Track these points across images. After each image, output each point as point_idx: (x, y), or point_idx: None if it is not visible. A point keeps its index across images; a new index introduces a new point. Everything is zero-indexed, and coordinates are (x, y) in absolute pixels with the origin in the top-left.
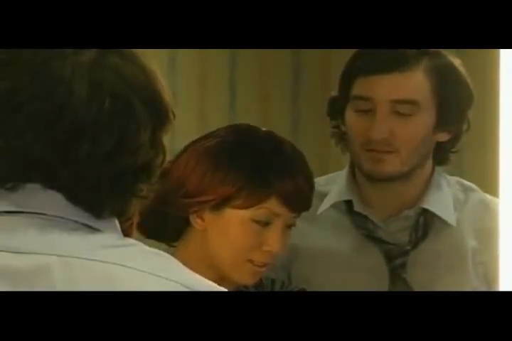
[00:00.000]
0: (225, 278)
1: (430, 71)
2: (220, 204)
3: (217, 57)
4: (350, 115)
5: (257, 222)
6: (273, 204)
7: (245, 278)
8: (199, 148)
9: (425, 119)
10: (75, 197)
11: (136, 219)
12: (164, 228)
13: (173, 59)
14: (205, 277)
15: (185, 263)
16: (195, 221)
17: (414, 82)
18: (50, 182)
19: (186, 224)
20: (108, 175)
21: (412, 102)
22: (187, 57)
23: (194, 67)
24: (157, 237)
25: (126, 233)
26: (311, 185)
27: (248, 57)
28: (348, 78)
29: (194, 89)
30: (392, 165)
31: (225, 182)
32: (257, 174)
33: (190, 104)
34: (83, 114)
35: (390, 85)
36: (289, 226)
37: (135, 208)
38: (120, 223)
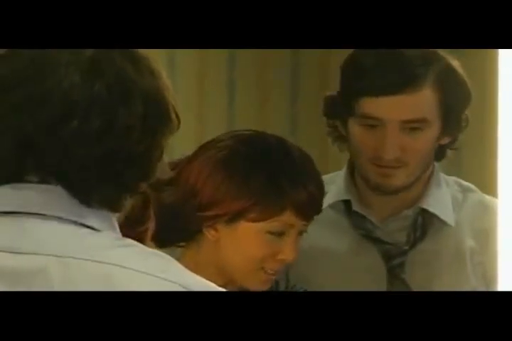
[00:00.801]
0: (235, 283)
1: (436, 84)
2: (234, 218)
3: (216, 57)
4: (355, 129)
5: (272, 233)
6: (288, 216)
7: (257, 285)
8: (211, 158)
9: (432, 132)
10: (64, 179)
11: (151, 226)
12: (176, 239)
13: (172, 59)
14: (214, 282)
15: (194, 268)
16: (209, 232)
17: (423, 102)
18: (41, 162)
19: (198, 230)
20: (96, 157)
21: (422, 120)
22: (186, 57)
23: (193, 67)
24: (168, 245)
25: (140, 238)
26: (322, 189)
27: (247, 57)
28: (353, 95)
29: (193, 89)
30: (399, 179)
31: (240, 195)
32: (271, 187)
33: (189, 104)
34: (74, 94)
35: (401, 106)
36: (300, 233)
37: (149, 213)
38: (134, 228)
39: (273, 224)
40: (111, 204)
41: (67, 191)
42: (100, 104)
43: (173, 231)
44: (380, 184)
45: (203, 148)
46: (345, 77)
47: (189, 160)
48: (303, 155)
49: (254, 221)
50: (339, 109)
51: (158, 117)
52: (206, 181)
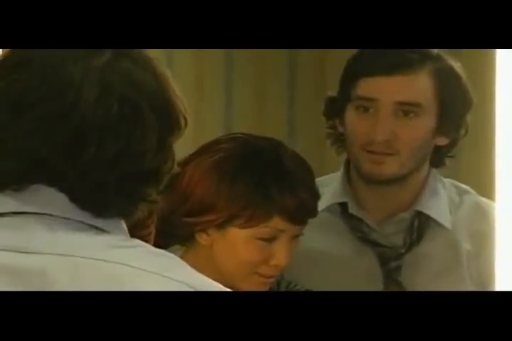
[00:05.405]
0: (232, 287)
1: (434, 74)
2: (223, 224)
3: (213, 57)
4: (351, 115)
5: (262, 239)
6: (276, 222)
7: (254, 288)
8: (203, 162)
9: (426, 122)
10: (78, 197)
11: (153, 230)
12: (168, 244)
13: (169, 59)
14: None
15: None
16: (201, 236)
17: (419, 85)
18: (55, 182)
19: (191, 237)
20: (113, 179)
21: (416, 104)
22: (183, 57)
23: (190, 67)
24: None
25: (144, 241)
26: (315, 195)
27: (244, 57)
28: (351, 77)
29: (190, 90)
30: (391, 167)
31: (227, 201)
32: (258, 193)
33: (186, 105)
34: (90, 118)
35: (396, 86)
36: (296, 237)
37: (154, 217)
38: (139, 231)
39: (262, 230)
40: (126, 215)
41: (80, 207)
42: (115, 129)
43: (164, 237)
44: (371, 172)
45: (195, 154)
46: (347, 63)
47: (181, 164)
48: (297, 160)
49: (242, 227)
50: (338, 100)
51: (170, 130)
52: (196, 186)
